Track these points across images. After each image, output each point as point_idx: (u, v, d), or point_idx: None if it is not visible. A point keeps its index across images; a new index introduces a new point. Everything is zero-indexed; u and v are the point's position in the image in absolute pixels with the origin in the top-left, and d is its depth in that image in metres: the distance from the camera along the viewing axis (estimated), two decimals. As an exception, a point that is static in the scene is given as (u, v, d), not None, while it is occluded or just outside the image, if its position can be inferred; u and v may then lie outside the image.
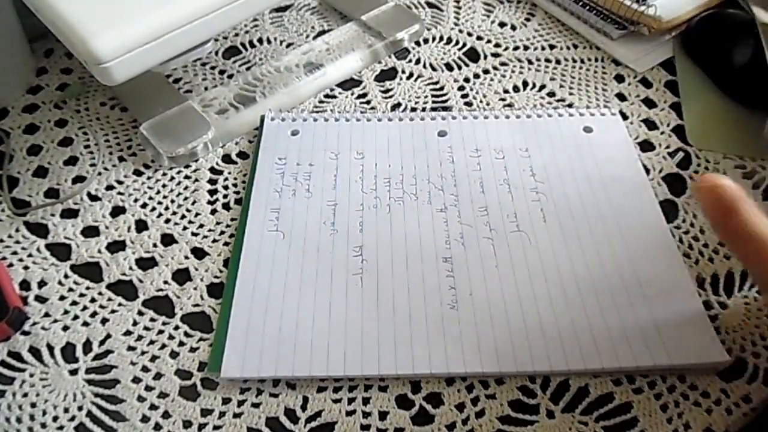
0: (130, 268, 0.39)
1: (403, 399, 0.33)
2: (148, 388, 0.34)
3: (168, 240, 0.40)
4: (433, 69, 0.51)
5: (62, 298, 0.37)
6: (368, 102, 0.49)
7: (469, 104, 0.48)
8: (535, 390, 0.33)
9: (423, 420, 0.33)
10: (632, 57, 0.51)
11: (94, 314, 0.37)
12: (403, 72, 0.51)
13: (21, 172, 0.44)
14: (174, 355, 0.35)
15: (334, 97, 0.49)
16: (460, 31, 0.54)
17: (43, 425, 0.32)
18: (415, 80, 0.50)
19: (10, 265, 0.39)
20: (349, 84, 0.50)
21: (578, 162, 0.43)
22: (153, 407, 0.33)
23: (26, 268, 0.39)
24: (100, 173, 0.44)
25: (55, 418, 0.33)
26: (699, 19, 0.51)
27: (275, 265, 0.38)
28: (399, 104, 0.48)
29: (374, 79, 0.50)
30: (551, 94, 0.49)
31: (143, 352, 0.35)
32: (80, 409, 0.33)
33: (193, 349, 0.35)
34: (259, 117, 0.46)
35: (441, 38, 0.54)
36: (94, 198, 0.43)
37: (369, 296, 0.36)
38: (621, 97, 0.49)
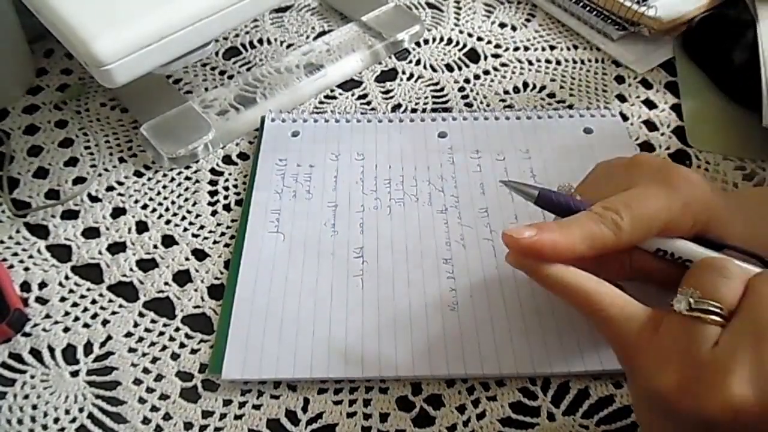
0: (131, 270, 0.39)
1: (403, 401, 0.33)
2: (149, 390, 0.34)
3: (168, 241, 0.40)
4: (434, 70, 0.51)
5: (63, 299, 0.37)
6: (368, 103, 0.49)
7: (469, 105, 0.48)
8: (536, 392, 0.34)
9: (424, 422, 0.33)
10: (632, 58, 0.51)
11: (94, 316, 0.37)
12: (404, 73, 0.51)
13: (21, 173, 0.44)
14: (175, 356, 0.35)
15: (334, 98, 0.49)
16: (461, 32, 0.54)
17: (44, 427, 0.32)
18: (416, 81, 0.50)
19: (11, 266, 0.39)
20: (349, 85, 0.50)
21: (579, 163, 0.43)
22: (154, 409, 0.33)
23: (27, 269, 0.39)
24: (100, 174, 0.44)
25: (56, 420, 0.33)
26: (699, 19, 0.51)
27: (276, 267, 0.38)
28: (399, 105, 0.48)
29: (375, 79, 0.50)
30: (551, 95, 0.49)
31: (144, 354, 0.35)
32: (81, 410, 0.33)
33: (193, 351, 0.35)
34: (259, 118, 0.46)
35: (441, 39, 0.54)
36: (94, 199, 0.43)
37: (370, 298, 0.36)
38: (621, 98, 0.49)
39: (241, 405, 0.33)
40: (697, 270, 0.26)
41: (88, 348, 0.35)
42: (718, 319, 0.24)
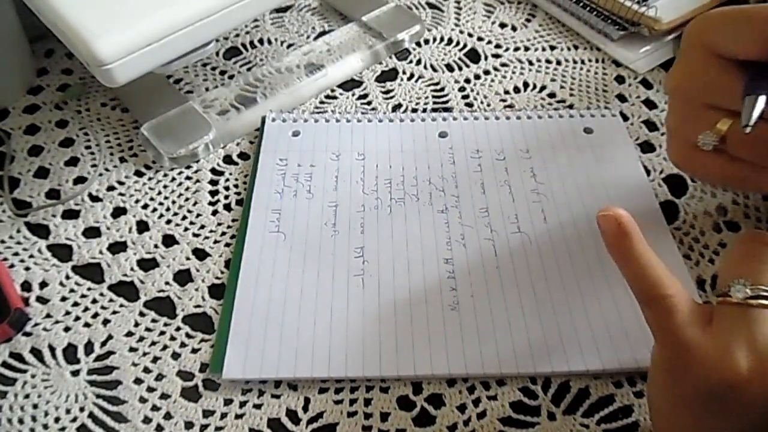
0: (132, 269, 0.39)
1: (404, 400, 0.33)
2: (150, 389, 0.34)
3: (169, 241, 0.40)
4: (434, 70, 0.51)
5: (64, 299, 0.37)
6: (369, 103, 0.49)
7: (469, 105, 0.49)
8: (537, 391, 0.34)
9: (424, 421, 0.33)
10: (633, 58, 0.51)
11: (95, 315, 0.37)
12: (404, 73, 0.51)
13: (22, 173, 0.44)
14: (175, 356, 0.35)
15: (335, 97, 0.49)
16: (461, 32, 0.54)
17: (45, 426, 0.32)
18: (416, 81, 0.50)
19: (12, 266, 0.39)
20: (349, 85, 0.50)
21: (579, 163, 0.43)
22: (155, 408, 0.33)
23: (27, 269, 0.39)
24: (101, 174, 0.44)
25: (56, 419, 0.33)
26: (699, 20, 0.51)
27: (276, 266, 0.38)
28: (400, 105, 0.49)
29: (375, 79, 0.50)
30: (552, 95, 0.49)
31: (145, 354, 0.35)
32: (82, 410, 0.33)
33: (194, 350, 0.35)
34: (260, 118, 0.47)
35: (442, 39, 0.54)
36: (95, 199, 0.43)
37: (370, 297, 0.36)
38: (621, 98, 0.49)
39: (242, 404, 0.33)
40: (739, 258, 0.27)
41: (88, 347, 0.35)
42: None
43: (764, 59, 0.28)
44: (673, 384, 0.26)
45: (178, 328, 0.36)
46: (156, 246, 0.40)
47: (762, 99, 0.27)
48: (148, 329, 0.36)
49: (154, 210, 0.42)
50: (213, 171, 0.44)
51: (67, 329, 0.36)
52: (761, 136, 0.28)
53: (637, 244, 0.27)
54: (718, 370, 0.24)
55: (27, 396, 0.34)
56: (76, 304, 0.37)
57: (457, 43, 0.54)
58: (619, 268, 0.28)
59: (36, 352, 0.35)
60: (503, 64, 0.52)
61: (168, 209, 0.42)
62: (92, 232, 0.41)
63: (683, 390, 0.26)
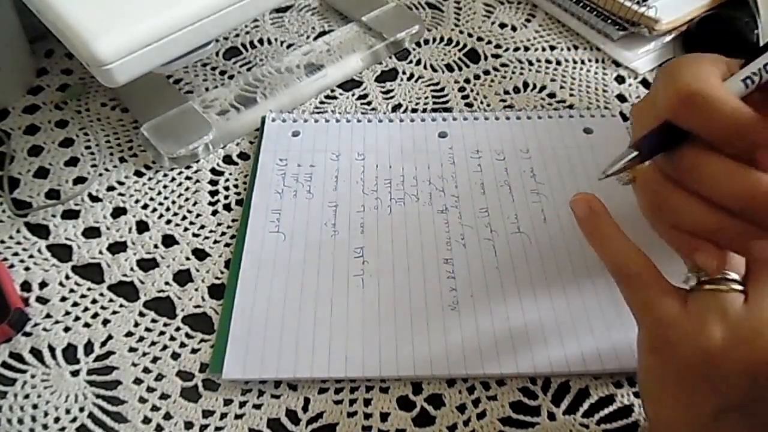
0: (132, 269, 0.39)
1: (404, 400, 0.34)
2: (150, 390, 0.34)
3: (169, 241, 0.40)
4: (434, 70, 0.51)
5: (63, 299, 0.37)
6: (369, 103, 0.49)
7: (469, 105, 0.49)
8: (536, 392, 0.34)
9: (424, 421, 0.33)
10: (633, 58, 0.51)
11: (95, 315, 0.37)
12: (404, 73, 0.51)
13: (22, 173, 0.44)
14: (175, 356, 0.35)
15: (334, 97, 0.49)
16: (461, 32, 0.54)
17: (45, 426, 0.33)
18: (416, 81, 0.50)
19: (11, 266, 0.39)
20: (349, 85, 0.50)
21: (579, 163, 0.43)
22: (154, 408, 0.33)
23: (27, 269, 0.39)
24: (101, 174, 0.44)
25: (56, 420, 0.33)
26: (699, 19, 0.51)
27: (276, 266, 0.38)
28: (399, 105, 0.48)
29: (375, 79, 0.50)
30: (551, 95, 0.49)
31: (144, 354, 0.35)
32: (82, 410, 0.33)
33: (194, 351, 0.35)
34: (259, 118, 0.47)
35: (441, 39, 0.54)
36: (95, 199, 0.43)
37: (370, 297, 0.36)
38: (621, 98, 0.49)
39: (242, 404, 0.33)
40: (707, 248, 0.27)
41: (88, 347, 0.35)
42: (737, 287, 0.25)
43: (670, 120, 0.26)
44: (658, 364, 0.27)
45: (177, 329, 0.36)
46: (156, 246, 0.40)
47: (631, 155, 0.26)
48: (148, 329, 0.36)
49: (154, 210, 0.42)
50: (213, 171, 0.44)
51: (67, 329, 0.36)
52: (648, 183, 0.28)
53: (608, 225, 0.29)
54: (695, 342, 0.25)
55: (27, 396, 0.34)
56: (75, 304, 0.37)
57: (457, 44, 0.54)
58: (595, 250, 0.29)
59: (36, 352, 0.35)
60: (503, 65, 0.52)
61: (168, 209, 0.42)
62: (92, 232, 0.41)
63: (667, 367, 0.27)
